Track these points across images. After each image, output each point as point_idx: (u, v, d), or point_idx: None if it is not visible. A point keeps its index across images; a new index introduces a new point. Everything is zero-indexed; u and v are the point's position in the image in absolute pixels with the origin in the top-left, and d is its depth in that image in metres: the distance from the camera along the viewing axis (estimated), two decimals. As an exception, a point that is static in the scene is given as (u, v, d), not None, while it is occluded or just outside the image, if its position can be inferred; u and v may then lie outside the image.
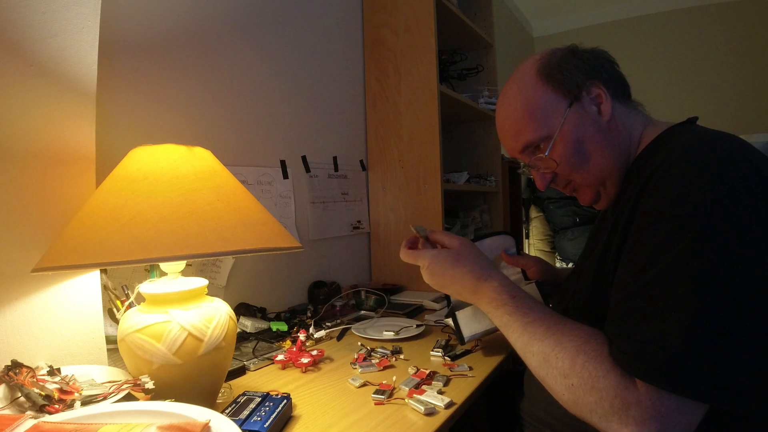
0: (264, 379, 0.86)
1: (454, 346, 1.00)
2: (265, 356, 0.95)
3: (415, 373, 0.83)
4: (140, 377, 0.60)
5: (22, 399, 0.55)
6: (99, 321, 0.77)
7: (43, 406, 0.54)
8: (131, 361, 0.64)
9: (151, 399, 0.59)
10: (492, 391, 0.91)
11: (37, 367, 0.61)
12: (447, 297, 1.00)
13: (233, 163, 1.19)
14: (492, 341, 1.01)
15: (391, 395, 0.75)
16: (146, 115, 0.99)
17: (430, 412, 0.70)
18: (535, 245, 3.23)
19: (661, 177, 0.54)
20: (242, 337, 1.05)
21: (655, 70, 3.36)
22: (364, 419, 0.68)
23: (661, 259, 0.49)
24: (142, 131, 0.98)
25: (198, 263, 1.09)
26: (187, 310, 0.65)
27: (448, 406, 0.72)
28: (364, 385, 0.81)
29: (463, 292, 0.71)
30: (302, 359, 0.89)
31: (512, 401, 0.87)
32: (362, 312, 1.33)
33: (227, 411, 0.65)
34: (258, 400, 0.69)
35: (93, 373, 0.67)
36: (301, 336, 0.97)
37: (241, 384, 0.83)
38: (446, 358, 0.94)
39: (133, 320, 0.64)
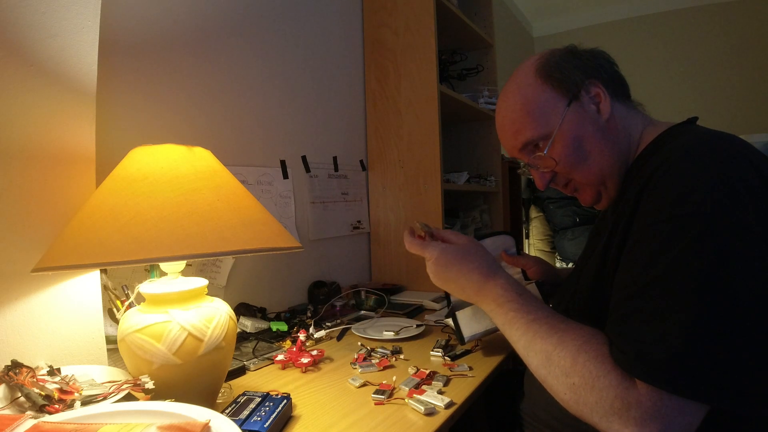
0: (264, 379, 0.86)
1: (454, 346, 1.00)
2: (265, 356, 0.95)
3: (415, 373, 0.83)
4: (140, 377, 0.60)
5: (22, 399, 0.55)
6: (99, 321, 0.77)
7: (43, 406, 0.54)
8: (131, 361, 0.64)
9: (151, 399, 0.59)
10: (492, 391, 0.91)
11: (37, 367, 0.61)
12: (447, 297, 1.00)
13: (233, 163, 1.19)
14: (492, 341, 1.01)
15: (391, 395, 0.75)
16: (146, 115, 0.99)
17: (430, 412, 0.70)
18: (535, 245, 3.23)
19: (662, 177, 0.54)
20: (242, 337, 1.05)
21: (655, 70, 3.36)
22: (364, 419, 0.68)
23: (662, 259, 0.49)
24: (142, 131, 0.98)
25: (198, 263, 1.09)
26: (187, 310, 0.65)
27: (448, 406, 0.72)
28: (364, 385, 0.81)
29: (468, 289, 0.69)
30: (302, 359, 0.89)
31: (512, 401, 0.87)
32: (362, 312, 1.33)
33: (227, 411, 0.65)
34: (258, 400, 0.69)
35: (93, 373, 0.67)
36: (301, 336, 0.97)
37: (241, 384, 0.83)
38: (446, 358, 0.94)
39: (133, 320, 0.64)
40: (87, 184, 0.76)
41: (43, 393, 0.55)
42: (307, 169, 1.44)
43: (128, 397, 0.60)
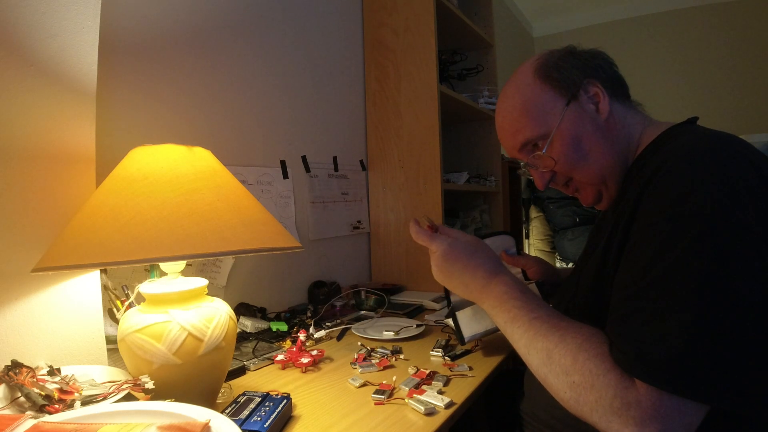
0: (264, 379, 0.86)
1: (454, 346, 1.00)
2: (265, 356, 0.95)
3: (415, 373, 0.83)
4: (140, 377, 0.60)
5: (22, 399, 0.55)
6: (99, 321, 0.77)
7: (43, 406, 0.54)
8: (131, 361, 0.64)
9: (151, 399, 0.59)
10: (492, 391, 0.91)
11: (37, 367, 0.61)
12: (447, 297, 1.00)
13: (233, 163, 1.19)
14: (492, 341, 1.01)
15: (391, 395, 0.75)
16: (146, 115, 0.99)
17: (430, 412, 0.70)
18: (535, 245, 3.23)
19: (662, 177, 0.54)
20: (242, 337, 1.05)
21: (655, 70, 3.36)
22: (364, 419, 0.68)
23: (662, 259, 0.49)
24: (142, 131, 0.98)
25: (198, 263, 1.09)
26: (187, 310, 0.65)
27: (448, 406, 0.72)
28: (364, 385, 0.81)
29: (472, 285, 0.69)
30: (302, 359, 0.89)
31: (512, 401, 0.87)
32: (362, 312, 1.33)
33: (227, 411, 0.65)
34: (258, 400, 0.69)
35: (93, 373, 0.67)
36: (301, 336, 0.97)
37: (241, 384, 0.83)
38: (446, 358, 0.94)
39: (133, 320, 0.64)
40: (87, 184, 0.76)
41: (43, 393, 0.55)
42: (307, 169, 1.44)
43: (128, 397, 0.60)
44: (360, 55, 1.73)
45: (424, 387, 0.78)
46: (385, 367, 0.89)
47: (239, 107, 1.22)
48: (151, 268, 0.80)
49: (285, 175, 1.34)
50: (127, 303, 0.75)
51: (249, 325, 1.08)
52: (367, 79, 1.73)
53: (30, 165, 0.68)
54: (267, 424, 0.62)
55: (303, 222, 1.42)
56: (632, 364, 0.47)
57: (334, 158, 1.57)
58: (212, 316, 0.66)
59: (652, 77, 3.33)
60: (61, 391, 0.56)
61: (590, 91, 0.68)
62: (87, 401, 0.56)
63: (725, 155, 0.53)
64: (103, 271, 0.79)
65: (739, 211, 0.48)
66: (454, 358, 0.94)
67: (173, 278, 0.70)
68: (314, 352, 0.92)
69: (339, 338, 1.10)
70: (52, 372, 0.61)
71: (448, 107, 1.71)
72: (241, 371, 0.88)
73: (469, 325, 0.94)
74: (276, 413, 0.64)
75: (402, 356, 0.95)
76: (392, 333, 1.09)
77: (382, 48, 1.68)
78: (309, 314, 1.22)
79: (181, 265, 0.70)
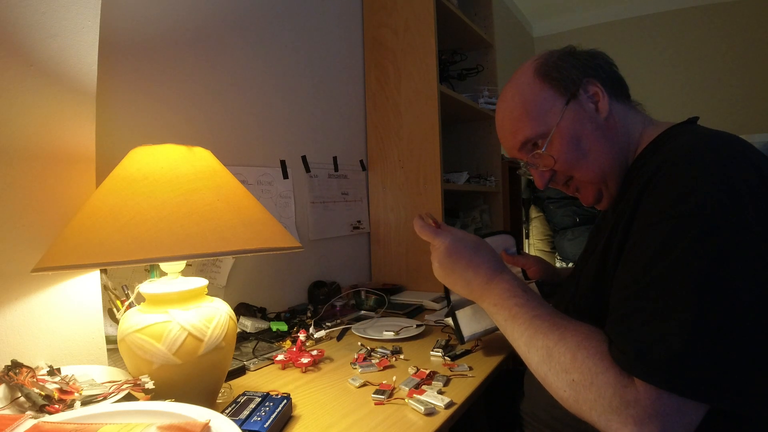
0: (264, 379, 0.86)
1: (454, 346, 1.00)
2: (265, 356, 0.95)
3: (415, 373, 0.83)
4: (140, 377, 0.60)
5: (22, 399, 0.55)
6: (99, 321, 0.77)
7: (43, 406, 0.54)
8: (131, 361, 0.64)
9: (151, 399, 0.59)
10: (492, 391, 0.91)
11: (37, 367, 0.61)
12: (447, 297, 1.00)
13: (233, 163, 1.19)
14: (492, 341, 1.01)
15: (391, 395, 0.75)
16: (146, 115, 0.99)
17: (430, 412, 0.70)
18: (535, 245, 3.23)
19: (662, 177, 0.54)
20: (242, 337, 1.05)
21: (655, 70, 3.36)
22: (364, 419, 0.68)
23: (662, 259, 0.49)
24: (142, 131, 0.98)
25: (198, 263, 1.09)
26: (187, 310, 0.65)
27: (448, 406, 0.72)
28: (364, 385, 0.81)
29: (474, 282, 0.69)
30: (302, 359, 0.89)
31: (512, 401, 0.87)
32: (362, 312, 1.33)
33: (227, 411, 0.65)
34: (258, 400, 0.69)
35: (93, 373, 0.67)
36: (301, 336, 0.97)
37: (241, 384, 0.83)
38: (446, 358, 0.94)
39: (133, 320, 0.64)
40: (87, 184, 0.76)
41: (43, 393, 0.55)
42: (307, 169, 1.44)
43: (128, 397, 0.60)
44: (360, 55, 1.73)
45: (424, 387, 0.78)
46: (385, 367, 0.89)
47: (239, 107, 1.22)
48: (151, 268, 0.80)
49: (285, 175, 1.34)
50: (127, 303, 0.75)
51: (249, 325, 1.08)
52: (367, 79, 1.73)
53: (30, 165, 0.68)
54: (267, 424, 0.62)
55: (303, 222, 1.42)
56: (632, 364, 0.47)
57: (334, 158, 1.57)
58: (212, 316, 0.66)
59: (652, 77, 3.33)
60: (61, 391, 0.56)
61: (590, 90, 0.69)
62: (87, 401, 0.56)
63: (725, 155, 0.53)
64: (103, 271, 0.79)
65: (739, 211, 0.48)
66: (454, 358, 0.94)
67: (173, 278, 0.70)
68: (314, 352, 0.92)
69: (339, 338, 1.10)
70: (52, 372, 0.61)
71: (448, 107, 1.71)
72: (241, 371, 0.88)
73: (469, 324, 0.94)
74: (276, 413, 0.64)
75: (402, 356, 0.95)
76: (392, 333, 1.09)
77: (382, 48, 1.68)
78: (309, 314, 1.22)
79: (181, 265, 0.70)
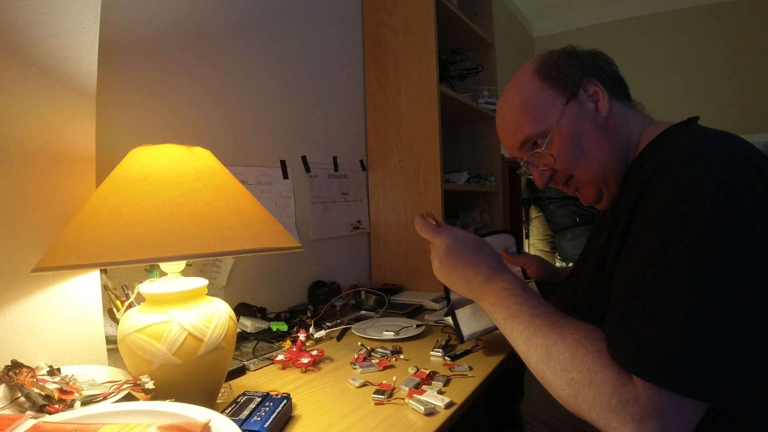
0: (264, 379, 0.86)
1: (454, 346, 1.00)
2: (265, 356, 0.95)
3: (415, 373, 0.83)
4: (140, 377, 0.60)
5: (22, 399, 0.55)
6: (99, 321, 0.77)
7: (43, 406, 0.54)
8: (131, 361, 0.64)
9: (151, 399, 0.59)
10: (492, 391, 0.91)
11: (37, 367, 0.61)
12: (447, 296, 1.00)
13: (233, 163, 1.19)
14: (492, 341, 1.01)
15: (391, 395, 0.75)
16: (146, 115, 0.99)
17: (430, 412, 0.70)
18: (535, 245, 3.23)
19: (662, 176, 0.54)
20: (242, 337, 1.05)
21: (655, 70, 3.35)
22: (364, 419, 0.68)
23: (662, 258, 0.49)
24: (142, 131, 0.98)
25: (198, 263, 1.09)
26: (187, 310, 0.65)
27: (448, 406, 0.72)
28: (364, 385, 0.81)
29: (474, 281, 0.68)
30: (302, 359, 0.89)
31: (512, 401, 0.87)
32: (362, 312, 1.33)
33: (227, 411, 0.65)
34: (258, 400, 0.69)
35: (93, 373, 0.67)
36: (301, 336, 0.97)
37: (241, 384, 0.83)
38: (446, 358, 0.94)
39: (133, 320, 0.64)
40: (87, 184, 0.76)
41: (43, 393, 0.55)
42: (307, 169, 1.44)
43: (128, 397, 0.60)
44: (360, 55, 1.73)
45: (424, 387, 0.78)
46: (385, 367, 0.89)
47: (239, 107, 1.22)
48: (151, 268, 0.80)
49: (285, 175, 1.34)
50: (127, 303, 0.75)
51: (249, 325, 1.08)
52: (367, 79, 1.73)
53: (30, 165, 0.68)
54: (267, 424, 0.62)
55: (303, 222, 1.42)
56: (631, 362, 0.47)
57: (334, 158, 1.57)
58: (212, 316, 0.66)
59: (652, 77, 3.33)
60: (61, 391, 0.56)
61: (590, 89, 0.69)
62: (87, 401, 0.56)
63: (726, 155, 0.53)
64: (103, 271, 0.79)
65: (739, 211, 0.48)
66: (454, 358, 0.94)
67: (173, 278, 0.70)
68: (314, 352, 0.92)
69: (339, 338, 1.10)
70: (52, 372, 0.61)
71: (448, 107, 1.71)
72: (241, 371, 0.88)
73: (468, 323, 0.94)
74: (276, 413, 0.64)
75: (402, 356, 0.95)
76: (392, 333, 1.09)
77: (382, 48, 1.68)
78: (309, 314, 1.22)
79: (181, 265, 0.70)
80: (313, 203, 1.46)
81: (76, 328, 0.74)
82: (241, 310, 1.14)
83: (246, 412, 0.65)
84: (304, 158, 1.43)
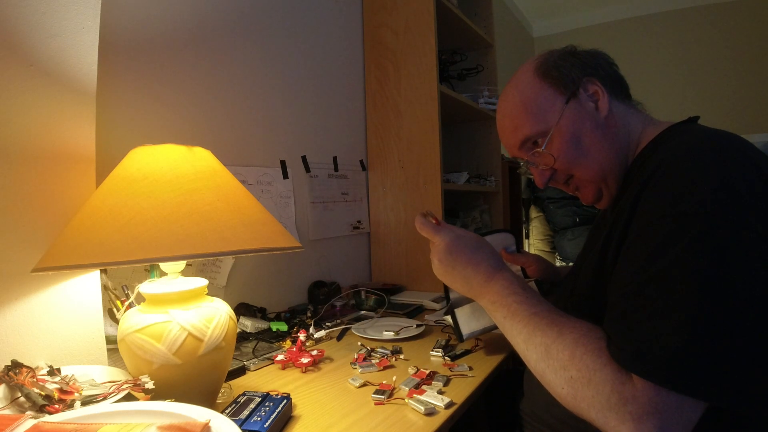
0: (264, 379, 0.86)
1: (454, 346, 1.00)
2: (265, 356, 0.95)
3: (415, 373, 0.83)
4: (140, 377, 0.60)
5: (22, 399, 0.55)
6: (99, 321, 0.77)
7: (43, 406, 0.54)
8: (131, 361, 0.64)
9: (151, 399, 0.59)
10: (492, 391, 0.91)
11: (37, 367, 0.61)
12: (447, 295, 1.00)
13: (233, 163, 1.19)
14: (492, 341, 1.01)
15: (391, 395, 0.75)
16: (146, 115, 0.99)
17: (430, 412, 0.70)
18: (535, 245, 3.23)
19: (662, 176, 0.54)
20: (242, 337, 1.05)
21: (655, 70, 3.35)
22: (364, 419, 0.68)
23: (662, 257, 0.49)
24: (142, 131, 0.98)
25: (198, 263, 1.09)
26: (187, 310, 0.65)
27: (448, 406, 0.72)
28: (364, 385, 0.81)
29: (474, 280, 0.69)
30: (302, 359, 0.89)
31: (512, 401, 0.87)
32: (362, 312, 1.33)
33: (227, 411, 0.65)
34: (258, 400, 0.69)
35: (93, 373, 0.67)
36: (301, 336, 0.97)
37: (241, 384, 0.83)
38: (446, 358, 0.94)
39: (133, 320, 0.64)
40: (87, 184, 0.76)
41: (43, 393, 0.55)
42: (307, 169, 1.44)
43: (128, 397, 0.60)
44: (360, 55, 1.73)
45: (424, 387, 0.78)
46: (385, 367, 0.89)
47: (239, 107, 1.22)
48: (151, 268, 0.80)
49: (285, 175, 1.34)
50: (127, 303, 0.75)
51: (249, 325, 1.08)
52: (367, 79, 1.73)
53: (30, 165, 0.68)
54: (267, 424, 0.62)
55: (303, 222, 1.42)
56: (630, 361, 0.47)
57: (334, 158, 1.57)
58: (212, 316, 0.66)
59: (652, 77, 3.33)
60: (61, 391, 0.56)
61: (590, 89, 0.69)
62: (87, 401, 0.56)
63: (726, 154, 0.53)
64: (103, 271, 0.79)
65: (739, 210, 0.48)
66: (454, 358, 0.94)
67: (173, 278, 0.70)
68: (314, 352, 0.92)
69: (339, 338, 1.10)
70: (52, 372, 0.61)
71: (448, 107, 1.71)
72: (241, 371, 0.88)
73: (468, 322, 0.94)
74: (276, 413, 0.64)
75: (402, 356, 0.95)
76: (392, 333, 1.09)
77: (382, 48, 1.68)
78: (309, 314, 1.22)
79: (181, 265, 0.70)
80: (313, 203, 1.46)
81: (76, 328, 0.74)
82: (241, 310, 1.14)
83: (246, 412, 0.65)
84: (304, 158, 1.43)
